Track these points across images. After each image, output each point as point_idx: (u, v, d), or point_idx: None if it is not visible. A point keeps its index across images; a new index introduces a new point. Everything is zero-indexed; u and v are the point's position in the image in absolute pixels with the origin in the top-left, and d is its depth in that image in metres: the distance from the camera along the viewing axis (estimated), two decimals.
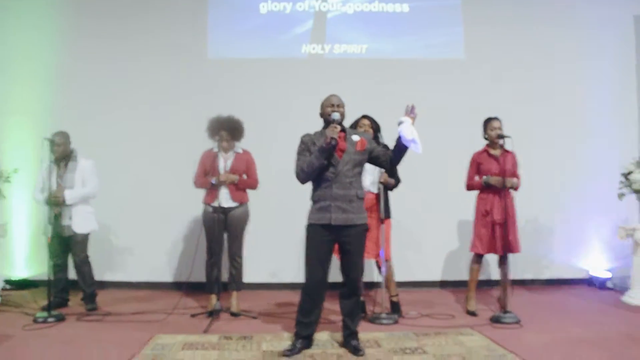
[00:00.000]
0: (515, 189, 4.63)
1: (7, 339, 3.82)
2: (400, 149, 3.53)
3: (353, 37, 6.16)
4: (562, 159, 6.08)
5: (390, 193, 4.59)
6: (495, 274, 5.31)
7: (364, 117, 4.52)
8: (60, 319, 4.34)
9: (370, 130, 4.43)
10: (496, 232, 4.57)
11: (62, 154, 4.69)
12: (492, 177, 4.55)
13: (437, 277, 5.99)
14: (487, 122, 4.70)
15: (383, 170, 4.36)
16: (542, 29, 6.19)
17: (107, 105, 5.86)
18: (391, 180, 4.48)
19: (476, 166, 4.71)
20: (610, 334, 4.01)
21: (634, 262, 5.16)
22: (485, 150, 4.71)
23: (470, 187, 4.76)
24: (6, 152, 5.60)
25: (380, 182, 4.42)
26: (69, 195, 4.61)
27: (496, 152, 4.66)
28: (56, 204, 4.60)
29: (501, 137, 4.51)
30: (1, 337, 3.83)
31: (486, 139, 4.73)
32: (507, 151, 4.63)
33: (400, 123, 3.49)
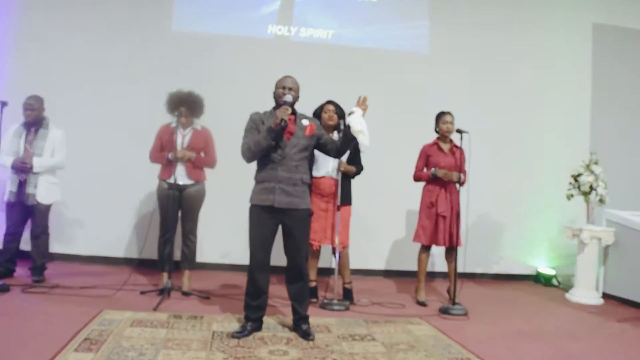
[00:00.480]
0: (461, 184, 4.72)
1: None
2: (348, 138, 3.54)
3: (320, 21, 6.12)
4: (516, 157, 6.24)
5: (352, 180, 4.60)
6: (441, 266, 5.43)
7: (329, 102, 4.52)
8: (4, 289, 4.21)
9: (335, 116, 4.43)
10: (439, 225, 4.66)
11: (35, 119, 4.53)
12: (440, 170, 4.63)
13: (382, 266, 6.07)
14: (440, 115, 4.79)
15: (344, 157, 4.36)
16: (505, 30, 6.34)
17: (68, 75, 5.67)
18: (351, 168, 4.49)
19: (425, 158, 4.79)
20: (551, 329, 4.17)
21: (578, 261, 5.35)
22: (435, 143, 4.78)
23: (417, 178, 4.83)
24: None
25: (340, 170, 4.42)
26: (37, 163, 4.47)
27: (446, 146, 4.76)
28: (22, 171, 4.46)
29: (459, 131, 4.56)
30: None
31: (437, 132, 4.80)
32: (456, 146, 4.74)
33: (350, 113, 3.52)
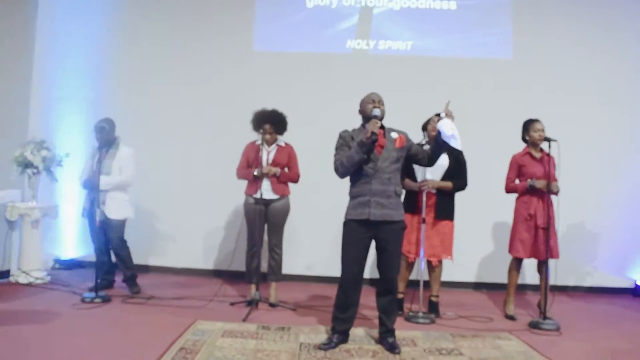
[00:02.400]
0: (556, 193, 4.54)
1: (57, 316, 4.01)
2: (439, 144, 3.55)
3: (398, 33, 6.12)
4: (608, 162, 5.91)
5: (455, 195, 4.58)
6: (531, 278, 5.24)
7: (437, 115, 4.51)
8: (107, 300, 4.51)
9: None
10: (539, 237, 4.48)
11: (105, 140, 4.78)
12: (538, 180, 4.47)
13: (471, 278, 5.94)
14: (529, 123, 4.61)
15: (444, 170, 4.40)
16: (595, 32, 6.02)
17: (154, 93, 6.02)
18: (444, 185, 4.44)
19: (517, 168, 4.62)
20: None
21: None
22: (527, 153, 4.61)
23: (511, 189, 4.66)
24: (59, 136, 5.82)
25: (421, 186, 4.38)
26: (103, 181, 4.71)
27: (537, 154, 4.58)
28: (91, 189, 4.74)
29: (547, 140, 4.40)
30: (52, 314, 4.02)
31: (526, 140, 4.63)
32: (547, 155, 4.55)
33: (439, 119, 3.53)
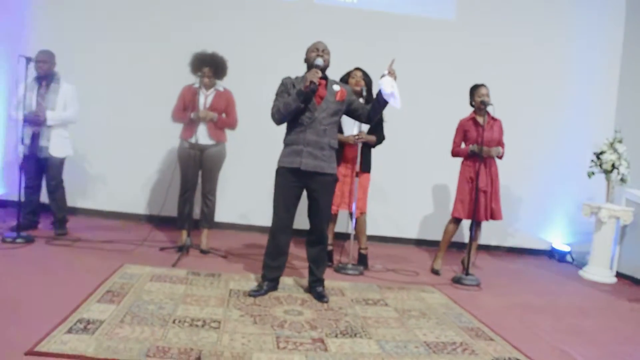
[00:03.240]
0: (500, 157, 4.68)
1: None
2: (380, 103, 3.54)
3: None
4: (537, 130, 6.15)
5: (372, 149, 4.61)
6: (460, 236, 5.45)
7: (357, 69, 4.50)
8: (29, 240, 4.34)
9: (362, 82, 4.40)
10: (480, 199, 4.62)
11: (46, 72, 4.55)
12: (478, 146, 4.57)
13: (412, 235, 6.11)
14: (475, 88, 4.68)
15: (366, 125, 4.37)
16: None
17: (88, 30, 5.68)
18: (371, 138, 4.48)
19: (462, 133, 4.70)
20: (562, 304, 4.22)
21: (594, 239, 5.35)
22: (471, 118, 4.69)
23: (455, 153, 4.76)
24: None
25: (359, 139, 4.40)
26: (50, 116, 4.52)
27: (482, 119, 4.69)
28: (36, 123, 4.51)
29: (484, 104, 4.50)
30: None
31: (472, 105, 4.71)
32: (494, 119, 4.66)
33: (382, 76, 3.51)
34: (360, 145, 4.44)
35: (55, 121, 4.56)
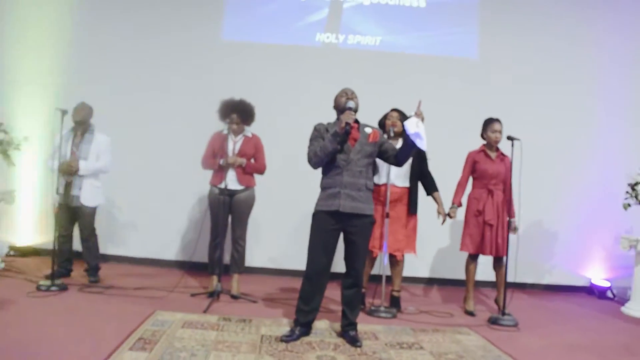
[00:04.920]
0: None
1: (11, 303, 3.87)
2: (407, 144, 3.54)
3: (368, 28, 6.13)
4: (569, 164, 6.04)
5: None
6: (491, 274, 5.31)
7: (393, 110, 4.55)
8: (63, 288, 4.39)
9: (398, 123, 4.43)
10: (486, 233, 4.57)
11: (83, 119, 4.68)
12: (454, 208, 4.67)
13: (425, 273, 5.99)
14: (489, 122, 4.69)
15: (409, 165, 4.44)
16: (555, 38, 6.14)
17: (118, 82, 5.86)
18: (439, 202, 4.62)
19: (472, 164, 4.72)
20: (607, 343, 4.03)
21: (635, 273, 5.16)
22: (482, 150, 4.71)
23: (457, 190, 4.76)
24: (17, 120, 5.60)
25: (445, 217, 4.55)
26: (83, 166, 4.63)
27: (493, 154, 4.67)
28: (69, 173, 4.62)
29: (510, 138, 4.42)
30: (5, 302, 3.88)
31: (484, 138, 4.73)
32: (503, 155, 4.66)
33: (408, 118, 3.53)
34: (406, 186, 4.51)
35: (88, 171, 4.67)
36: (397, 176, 4.47)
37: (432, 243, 5.96)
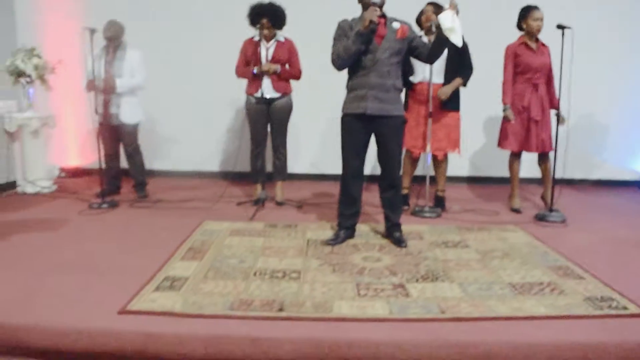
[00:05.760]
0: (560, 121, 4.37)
1: (66, 222, 4.04)
2: (440, 40, 3.31)
3: None
4: (620, 54, 5.65)
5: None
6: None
7: (429, 4, 4.25)
8: (114, 205, 4.53)
9: (433, 16, 4.08)
10: (532, 129, 4.37)
11: (115, 34, 4.60)
12: (509, 110, 4.36)
13: (466, 172, 5.90)
14: (528, 10, 4.32)
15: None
16: None
17: None
18: (457, 84, 4.28)
19: (513, 58, 4.39)
20: None
21: None
22: (523, 42, 4.37)
23: (503, 89, 4.45)
24: (50, 44, 5.57)
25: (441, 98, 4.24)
26: (119, 84, 4.60)
27: (533, 44, 4.36)
28: (106, 92, 4.62)
29: (560, 27, 4.10)
30: (60, 221, 4.05)
31: (522, 29, 4.39)
32: (543, 44, 4.37)
33: (442, 11, 3.28)
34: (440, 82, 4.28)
35: (124, 88, 4.64)
36: (432, 72, 4.23)
37: (469, 141, 5.77)
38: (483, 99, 5.20)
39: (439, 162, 4.48)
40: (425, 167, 4.44)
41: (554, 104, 4.41)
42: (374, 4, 3.25)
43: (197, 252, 3.37)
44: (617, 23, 5.63)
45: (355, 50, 3.31)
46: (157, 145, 5.85)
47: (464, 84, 4.35)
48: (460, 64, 4.26)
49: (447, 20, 3.23)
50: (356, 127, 3.45)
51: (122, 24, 4.70)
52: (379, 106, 3.39)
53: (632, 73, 5.69)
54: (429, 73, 4.21)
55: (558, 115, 4.36)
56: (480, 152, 5.89)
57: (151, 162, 5.69)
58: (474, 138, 5.81)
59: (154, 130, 5.77)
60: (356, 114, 3.42)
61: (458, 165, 5.55)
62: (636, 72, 5.68)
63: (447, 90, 4.24)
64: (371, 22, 3.22)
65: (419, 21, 4.35)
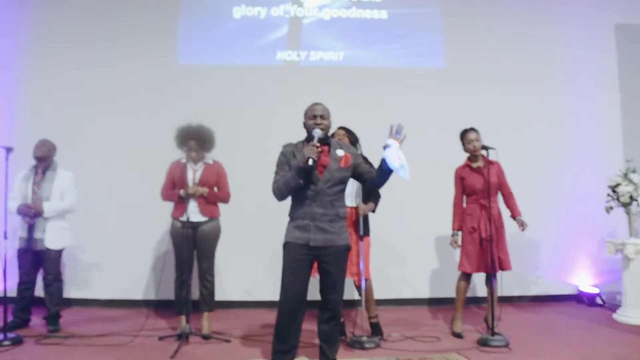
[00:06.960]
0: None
1: None
2: (385, 172, 3.23)
3: (329, 44, 5.92)
4: (546, 170, 5.87)
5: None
6: (481, 291, 5.10)
7: (340, 128, 4.29)
8: (17, 342, 4.04)
9: (346, 140, 4.17)
10: (487, 250, 4.32)
11: (46, 154, 4.43)
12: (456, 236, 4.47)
13: (423, 294, 5.72)
14: (463, 134, 4.49)
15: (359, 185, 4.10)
16: (522, 40, 6.02)
17: (71, 110, 5.57)
18: (370, 207, 4.22)
19: (460, 181, 4.49)
20: (603, 356, 3.82)
21: (624, 278, 4.97)
22: (466, 165, 4.49)
23: (453, 212, 4.53)
24: None
25: (360, 214, 4.15)
26: (47, 208, 4.33)
27: (478, 164, 4.45)
28: (31, 216, 4.31)
29: (485, 148, 4.28)
30: None
31: (466, 151, 4.52)
32: (490, 162, 4.43)
33: (386, 147, 3.18)
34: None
35: (52, 212, 4.38)
36: (349, 195, 4.05)
37: (417, 262, 5.71)
38: (432, 221, 5.24)
39: (366, 288, 4.25)
40: (354, 294, 4.23)
41: (514, 214, 4.45)
42: (314, 138, 3.19)
43: None
44: (541, 138, 5.91)
45: (295, 185, 3.20)
46: (75, 271, 5.40)
47: (374, 210, 4.31)
48: (371, 190, 4.18)
49: (395, 160, 3.11)
50: (299, 254, 3.25)
51: (53, 144, 4.52)
52: (323, 237, 3.23)
53: (556, 189, 5.85)
54: (349, 196, 4.07)
55: (517, 221, 4.40)
56: (433, 274, 5.78)
57: (67, 290, 5.23)
58: (425, 260, 5.74)
59: (72, 255, 5.34)
60: (299, 243, 3.24)
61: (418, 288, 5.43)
62: (560, 188, 5.86)
63: (366, 209, 4.18)
64: (309, 159, 3.12)
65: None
